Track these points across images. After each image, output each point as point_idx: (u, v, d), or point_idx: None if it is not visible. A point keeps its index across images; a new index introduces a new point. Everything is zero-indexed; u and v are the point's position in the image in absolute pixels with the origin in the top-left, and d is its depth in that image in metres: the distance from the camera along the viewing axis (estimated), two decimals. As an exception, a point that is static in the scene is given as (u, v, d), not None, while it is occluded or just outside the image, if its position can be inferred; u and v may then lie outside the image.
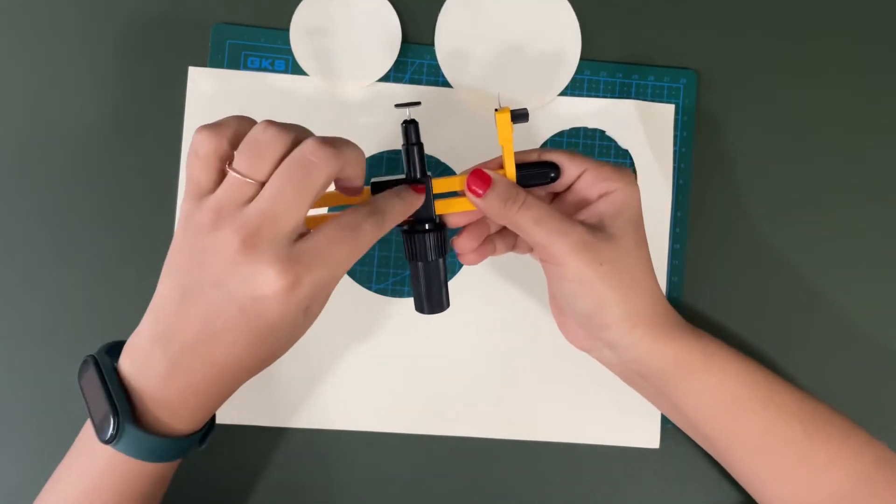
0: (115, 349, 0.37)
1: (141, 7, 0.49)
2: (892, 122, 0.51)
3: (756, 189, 0.50)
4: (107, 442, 0.35)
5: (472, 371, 0.48)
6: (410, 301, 0.48)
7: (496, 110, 0.38)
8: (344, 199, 0.39)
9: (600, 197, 0.40)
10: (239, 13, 0.49)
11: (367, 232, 0.35)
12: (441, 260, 0.40)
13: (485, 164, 0.40)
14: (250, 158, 0.34)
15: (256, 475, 0.48)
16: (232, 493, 0.47)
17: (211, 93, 0.48)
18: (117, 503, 0.37)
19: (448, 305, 0.41)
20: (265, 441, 0.48)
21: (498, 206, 0.38)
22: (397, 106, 0.39)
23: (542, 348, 0.49)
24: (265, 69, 0.49)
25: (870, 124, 0.51)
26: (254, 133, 0.34)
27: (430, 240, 0.40)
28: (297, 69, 0.49)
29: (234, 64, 0.49)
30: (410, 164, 0.39)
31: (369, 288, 0.48)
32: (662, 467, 0.49)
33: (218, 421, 0.47)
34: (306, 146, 0.33)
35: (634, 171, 0.49)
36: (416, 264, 0.40)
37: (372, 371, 0.48)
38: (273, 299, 0.33)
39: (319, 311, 0.37)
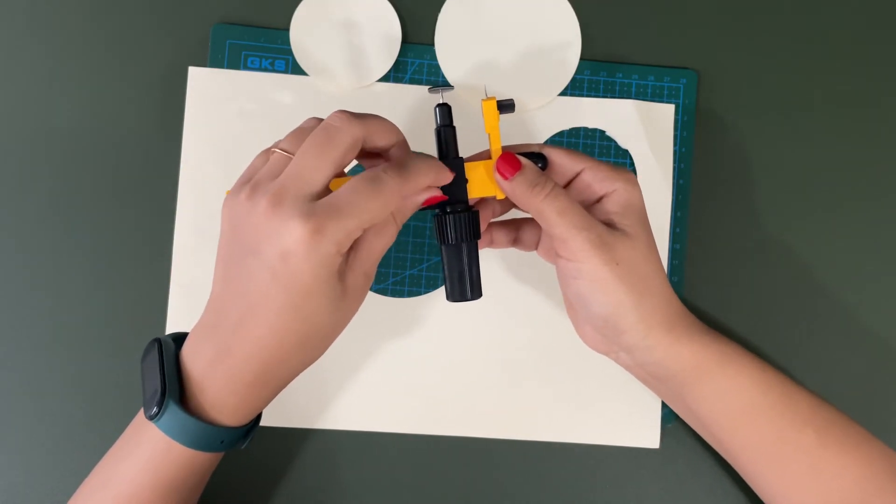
0: (182, 339, 0.39)
1: (141, 7, 0.49)
2: (892, 120, 0.51)
3: (756, 189, 0.50)
4: (151, 418, 0.36)
5: (472, 371, 0.48)
6: (410, 301, 0.49)
7: (483, 100, 0.39)
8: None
9: (602, 197, 0.40)
10: (239, 13, 0.49)
11: (388, 182, 0.35)
12: (474, 244, 0.40)
13: (480, 154, 0.41)
14: (293, 138, 0.37)
15: (255, 475, 0.48)
16: (230, 493, 0.47)
17: (211, 93, 0.48)
18: (154, 487, 0.37)
19: (480, 294, 0.40)
20: (264, 441, 0.48)
21: (524, 191, 0.38)
22: (431, 90, 0.39)
23: (542, 348, 0.49)
24: (265, 69, 0.49)
25: (870, 123, 0.51)
26: (306, 122, 0.38)
27: (463, 221, 0.39)
28: (297, 69, 0.49)
29: (234, 64, 0.49)
30: (443, 146, 0.39)
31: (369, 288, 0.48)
32: (662, 467, 0.49)
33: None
34: (330, 115, 0.36)
35: (634, 172, 0.49)
36: (448, 248, 0.40)
37: (372, 371, 0.48)
38: (300, 252, 0.33)
39: (360, 285, 0.36)
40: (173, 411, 0.36)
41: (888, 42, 0.51)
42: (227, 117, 0.48)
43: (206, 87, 0.48)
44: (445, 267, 0.40)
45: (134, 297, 0.48)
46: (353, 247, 0.36)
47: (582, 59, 0.50)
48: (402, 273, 0.49)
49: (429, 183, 0.37)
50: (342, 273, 0.35)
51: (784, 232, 0.50)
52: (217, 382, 0.36)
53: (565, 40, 0.50)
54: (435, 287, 0.49)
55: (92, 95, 0.48)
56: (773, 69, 0.51)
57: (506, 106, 0.39)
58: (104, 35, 0.49)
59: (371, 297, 0.48)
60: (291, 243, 0.33)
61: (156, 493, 0.37)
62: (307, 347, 0.37)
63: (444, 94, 0.40)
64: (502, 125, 0.40)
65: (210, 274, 0.37)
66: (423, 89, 0.49)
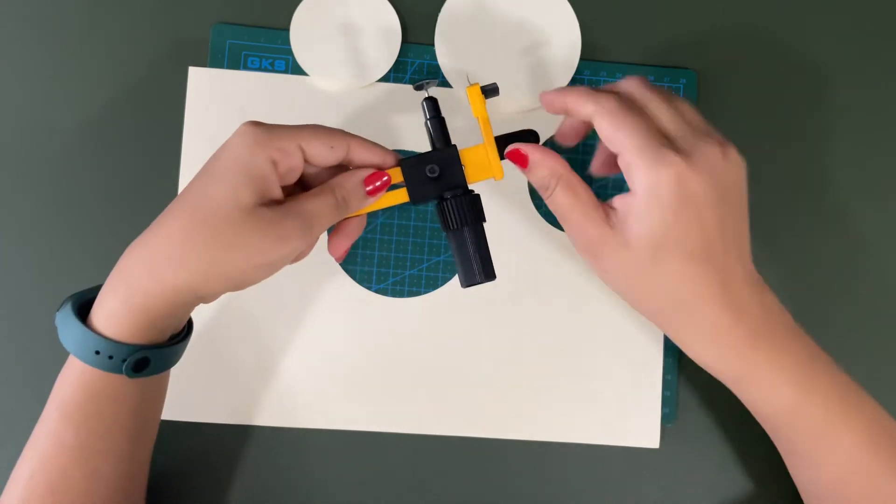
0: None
1: (141, 7, 0.49)
2: (893, 120, 0.51)
3: (756, 189, 0.50)
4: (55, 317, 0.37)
5: (472, 371, 0.48)
6: (410, 301, 0.49)
7: (466, 87, 0.39)
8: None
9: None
10: (239, 13, 0.49)
11: (339, 131, 0.38)
12: (478, 228, 0.40)
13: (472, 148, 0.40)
14: None
15: (256, 475, 0.48)
16: (231, 493, 0.47)
17: (211, 93, 0.48)
18: (57, 408, 0.37)
19: (493, 276, 0.40)
20: (265, 441, 0.48)
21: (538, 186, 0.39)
22: (415, 87, 0.40)
23: (542, 348, 0.49)
24: (265, 69, 0.49)
25: (870, 123, 0.51)
26: None
27: (463, 204, 0.39)
28: (297, 69, 0.49)
29: (234, 64, 0.49)
30: (433, 137, 0.40)
31: (369, 288, 0.48)
32: (662, 467, 0.49)
33: (219, 420, 0.47)
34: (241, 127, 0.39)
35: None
36: (454, 235, 0.40)
37: (372, 371, 0.48)
38: (236, 134, 0.36)
39: (272, 221, 0.35)
40: (65, 308, 0.36)
41: (888, 41, 0.51)
42: (227, 117, 0.48)
43: (206, 87, 0.48)
44: (455, 253, 0.40)
45: (134, 297, 0.48)
46: (286, 201, 0.37)
47: (582, 59, 0.50)
48: (402, 273, 0.49)
49: (378, 153, 0.39)
50: (262, 192, 0.36)
51: (784, 232, 0.50)
52: (110, 289, 0.36)
53: (565, 40, 0.50)
54: (435, 287, 0.49)
55: (92, 95, 0.48)
56: (773, 69, 0.51)
57: (490, 90, 0.39)
58: (104, 35, 0.49)
59: (371, 296, 0.48)
60: (234, 134, 0.36)
61: (59, 417, 0.37)
62: (194, 247, 0.35)
63: (428, 89, 0.40)
64: (504, 125, 0.40)
65: None
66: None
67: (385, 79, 0.49)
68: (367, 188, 0.38)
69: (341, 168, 0.39)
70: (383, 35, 0.49)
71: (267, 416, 0.47)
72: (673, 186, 0.34)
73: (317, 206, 0.37)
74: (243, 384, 0.47)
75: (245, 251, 0.35)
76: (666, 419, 0.49)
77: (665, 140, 0.35)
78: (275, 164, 0.36)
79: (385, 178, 0.39)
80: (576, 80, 0.50)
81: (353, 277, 0.48)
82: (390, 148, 0.49)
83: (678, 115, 0.36)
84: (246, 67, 0.49)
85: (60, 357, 0.47)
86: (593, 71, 0.50)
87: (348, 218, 0.40)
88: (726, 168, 0.35)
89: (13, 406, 0.47)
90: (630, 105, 0.36)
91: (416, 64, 0.49)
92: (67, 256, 0.48)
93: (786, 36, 0.51)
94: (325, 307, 0.48)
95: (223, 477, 0.47)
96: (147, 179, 0.48)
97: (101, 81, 0.48)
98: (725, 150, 0.36)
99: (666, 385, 0.49)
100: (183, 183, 0.48)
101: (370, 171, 0.39)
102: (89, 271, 0.48)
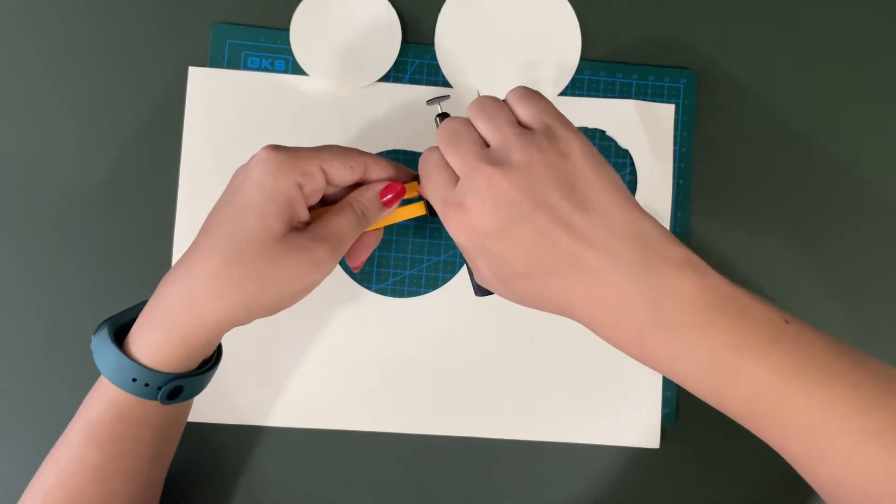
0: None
1: (141, 7, 0.49)
2: (891, 119, 0.51)
3: (756, 189, 0.50)
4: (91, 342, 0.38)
5: (472, 371, 0.48)
6: (410, 301, 0.49)
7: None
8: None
9: None
10: (239, 13, 0.49)
11: (356, 150, 0.39)
12: None
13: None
14: None
15: (256, 475, 0.48)
16: (232, 493, 0.47)
17: (211, 93, 0.48)
18: (83, 427, 0.37)
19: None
20: (264, 441, 0.48)
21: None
22: (428, 102, 0.40)
23: (541, 348, 0.49)
24: (265, 69, 0.49)
25: (870, 124, 0.51)
26: None
27: None
28: (297, 69, 0.49)
29: (234, 64, 0.49)
30: None
31: (369, 288, 0.48)
32: (662, 467, 0.49)
33: (219, 421, 0.47)
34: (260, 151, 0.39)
35: (634, 171, 0.49)
36: None
37: (372, 371, 0.48)
38: (257, 162, 0.36)
39: (303, 246, 0.36)
40: (102, 334, 0.37)
41: (888, 42, 0.51)
42: (227, 117, 0.48)
43: (206, 87, 0.48)
44: (469, 264, 0.40)
45: (134, 298, 0.47)
46: (312, 220, 0.38)
47: (582, 59, 0.50)
48: (402, 273, 0.49)
49: (393, 168, 0.40)
50: (291, 217, 0.36)
51: (784, 233, 0.50)
52: (148, 319, 0.37)
53: (565, 40, 0.50)
54: (435, 287, 0.49)
55: (92, 95, 0.48)
56: (773, 69, 0.51)
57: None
58: (104, 35, 0.49)
59: (371, 296, 0.48)
60: (255, 160, 0.37)
61: (84, 437, 0.37)
62: (233, 281, 0.35)
63: (442, 103, 0.41)
64: None
65: None
66: (423, 89, 0.49)
67: (385, 79, 0.49)
68: (384, 199, 0.39)
69: (357, 185, 0.40)
70: (383, 35, 0.49)
71: (267, 416, 0.47)
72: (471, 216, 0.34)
73: (341, 225, 0.38)
74: (243, 385, 0.47)
75: (282, 280, 0.36)
76: (666, 419, 0.49)
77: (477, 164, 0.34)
78: (300, 187, 0.37)
79: (399, 188, 0.40)
80: (576, 80, 0.50)
81: (353, 277, 0.48)
82: (390, 148, 0.49)
83: (499, 123, 0.36)
84: (246, 67, 0.49)
85: (59, 357, 0.47)
86: (593, 71, 0.50)
87: (367, 231, 0.41)
88: (545, 158, 0.34)
89: (12, 406, 0.47)
90: (430, 155, 0.38)
91: (415, 64, 0.49)
92: (67, 256, 0.48)
93: (786, 36, 0.51)
94: (325, 307, 0.48)
95: (224, 477, 0.47)
96: (147, 179, 0.48)
97: (101, 81, 0.48)
98: (543, 140, 0.34)
99: (666, 385, 0.49)
100: (183, 183, 0.48)
101: (384, 184, 0.40)
102: (88, 270, 0.48)
